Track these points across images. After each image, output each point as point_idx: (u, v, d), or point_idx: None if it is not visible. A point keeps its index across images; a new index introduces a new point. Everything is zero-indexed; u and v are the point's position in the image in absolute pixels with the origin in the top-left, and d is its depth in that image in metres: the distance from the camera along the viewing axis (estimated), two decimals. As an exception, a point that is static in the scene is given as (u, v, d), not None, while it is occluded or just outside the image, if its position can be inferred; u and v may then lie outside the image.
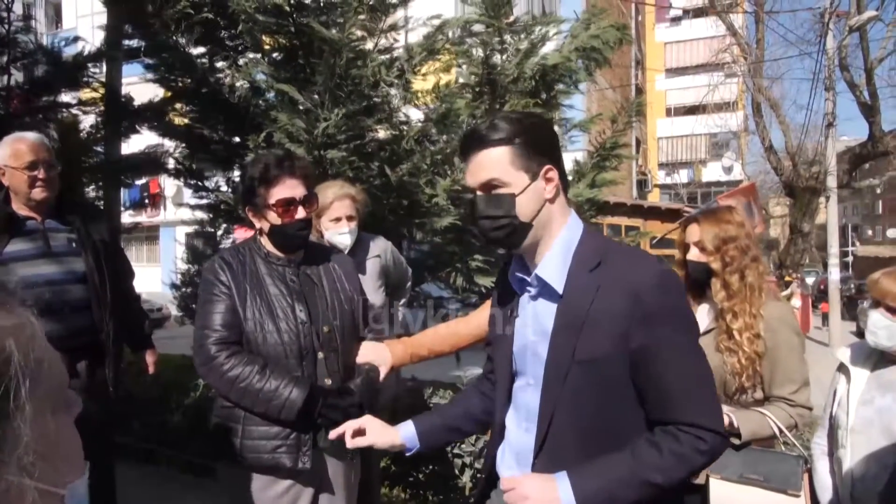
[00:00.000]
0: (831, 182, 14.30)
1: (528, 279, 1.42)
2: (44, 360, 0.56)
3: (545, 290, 1.38)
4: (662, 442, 1.25)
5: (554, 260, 1.37)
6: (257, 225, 2.15)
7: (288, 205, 2.06)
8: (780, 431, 2.02)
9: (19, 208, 2.68)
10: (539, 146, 1.35)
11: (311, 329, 2.06)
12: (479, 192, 1.38)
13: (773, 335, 2.07)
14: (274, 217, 2.07)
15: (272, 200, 2.06)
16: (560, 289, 1.34)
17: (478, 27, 4.91)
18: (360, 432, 1.64)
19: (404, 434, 1.64)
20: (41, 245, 2.67)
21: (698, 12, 22.84)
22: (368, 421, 1.65)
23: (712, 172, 31.84)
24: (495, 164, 1.34)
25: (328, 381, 2.07)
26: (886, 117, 17.61)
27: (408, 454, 1.67)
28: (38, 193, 2.66)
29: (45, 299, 2.54)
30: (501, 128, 1.34)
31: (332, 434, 1.67)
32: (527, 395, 1.42)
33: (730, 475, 1.91)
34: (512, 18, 5.11)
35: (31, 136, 2.74)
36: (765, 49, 16.12)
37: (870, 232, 44.27)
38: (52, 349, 0.58)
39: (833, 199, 14.76)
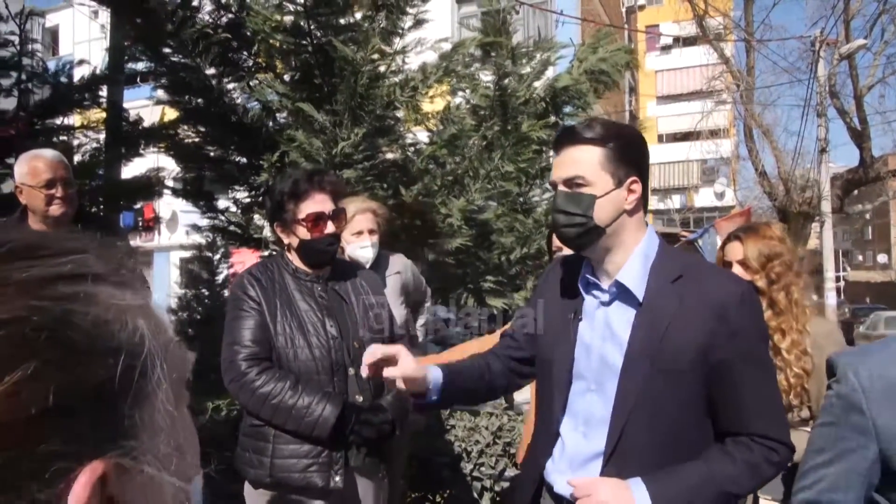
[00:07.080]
0: (825, 207, 14.43)
1: (600, 283, 1.42)
2: (170, 343, 0.52)
3: (623, 297, 1.39)
4: (736, 452, 1.29)
5: (634, 269, 1.38)
6: (286, 241, 2.14)
7: (317, 220, 2.06)
8: None
9: (36, 226, 2.64)
10: (630, 155, 1.37)
11: (342, 344, 2.04)
12: (561, 187, 1.39)
13: (820, 353, 2.03)
14: (303, 232, 2.07)
15: (301, 215, 2.05)
16: (641, 296, 1.35)
17: (478, 52, 4.98)
18: (390, 361, 1.36)
19: (432, 377, 1.42)
20: None
21: (689, 41, 23.25)
22: (401, 351, 1.37)
23: (704, 198, 32.08)
24: (584, 161, 1.36)
25: (359, 398, 2.03)
26: (876, 143, 17.86)
27: (416, 407, 1.48)
28: (55, 210, 2.62)
29: None
30: (597, 128, 1.36)
31: (366, 360, 1.36)
32: (586, 400, 1.41)
33: (780, 496, 1.87)
34: (515, 44, 5.20)
35: (49, 153, 2.71)
36: (756, 76, 16.39)
37: (860, 257, 44.61)
38: (173, 333, 0.55)
39: (828, 224, 14.87)
